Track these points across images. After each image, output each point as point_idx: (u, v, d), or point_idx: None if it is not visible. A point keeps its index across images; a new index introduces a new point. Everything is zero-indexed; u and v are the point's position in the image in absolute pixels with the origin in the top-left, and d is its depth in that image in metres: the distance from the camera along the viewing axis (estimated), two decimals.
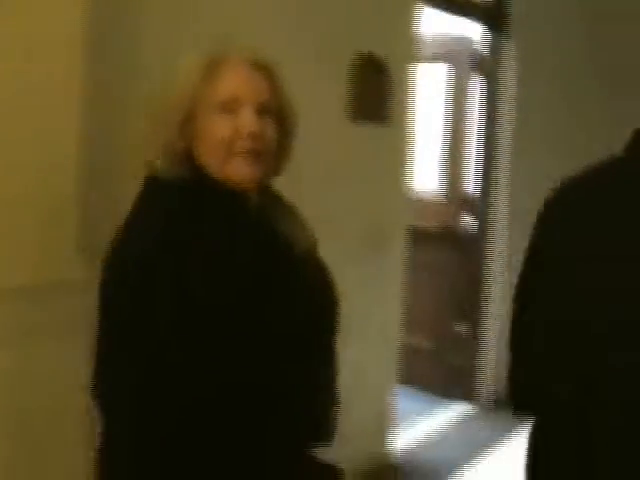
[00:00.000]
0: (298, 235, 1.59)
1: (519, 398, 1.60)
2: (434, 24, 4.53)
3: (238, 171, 1.51)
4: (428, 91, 4.72)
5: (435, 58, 4.75)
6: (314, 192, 2.66)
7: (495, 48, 4.69)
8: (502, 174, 4.79)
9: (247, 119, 1.51)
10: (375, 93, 3.52)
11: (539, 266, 1.53)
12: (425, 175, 4.78)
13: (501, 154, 4.78)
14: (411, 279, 4.05)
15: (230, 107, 1.51)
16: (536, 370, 1.51)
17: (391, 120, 3.64)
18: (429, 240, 4.83)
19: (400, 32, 3.64)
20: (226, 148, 1.50)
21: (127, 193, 1.55)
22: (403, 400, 4.18)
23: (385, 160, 3.67)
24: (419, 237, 4.29)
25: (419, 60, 3.90)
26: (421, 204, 4.66)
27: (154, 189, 1.52)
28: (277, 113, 1.58)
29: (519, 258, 1.61)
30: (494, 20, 4.59)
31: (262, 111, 1.54)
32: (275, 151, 1.59)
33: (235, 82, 1.52)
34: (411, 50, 3.77)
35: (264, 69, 1.57)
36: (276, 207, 1.63)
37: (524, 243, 1.61)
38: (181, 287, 1.37)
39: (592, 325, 1.38)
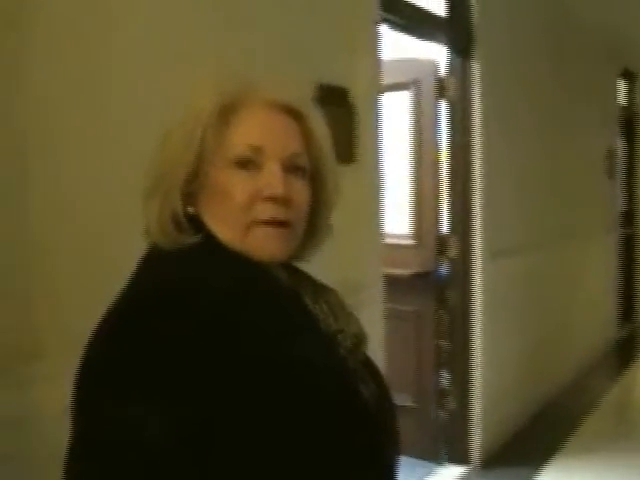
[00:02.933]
0: (345, 328, 1.22)
1: None
2: (391, 49, 4.15)
3: (258, 245, 1.15)
4: (390, 123, 4.33)
5: (395, 86, 4.37)
6: None
7: (460, 71, 4.37)
8: (476, 211, 4.43)
9: (271, 177, 1.14)
10: (336, 129, 3.08)
11: None
12: (393, 217, 4.33)
13: (473, 188, 4.40)
14: (386, 331, 3.66)
15: (249, 162, 1.15)
16: None
17: (356, 159, 3.21)
18: (402, 288, 4.40)
19: (361, 59, 3.27)
20: (243, 215, 1.14)
21: None
22: None
23: (352, 205, 3.23)
24: (391, 285, 3.85)
25: (382, 90, 3.49)
26: (391, 249, 4.22)
27: (155, 263, 1.16)
28: (312, 172, 1.22)
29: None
30: (458, 42, 4.27)
31: (291, 168, 1.17)
32: (307, 221, 1.22)
33: (256, 130, 1.17)
34: (374, 79, 3.37)
35: (296, 114, 1.20)
36: (310, 291, 1.26)
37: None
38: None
39: None
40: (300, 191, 1.18)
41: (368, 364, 1.28)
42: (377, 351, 3.40)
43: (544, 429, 5.06)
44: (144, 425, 1.00)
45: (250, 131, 1.16)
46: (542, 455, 4.56)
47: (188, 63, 2.29)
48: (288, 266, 1.27)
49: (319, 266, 2.77)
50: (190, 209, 1.16)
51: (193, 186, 1.16)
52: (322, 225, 1.27)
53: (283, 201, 1.14)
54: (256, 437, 1.02)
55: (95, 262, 1.90)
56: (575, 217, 6.19)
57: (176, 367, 1.01)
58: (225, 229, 1.15)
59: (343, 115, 3.14)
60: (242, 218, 1.14)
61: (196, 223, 1.16)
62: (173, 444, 1.00)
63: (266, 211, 1.14)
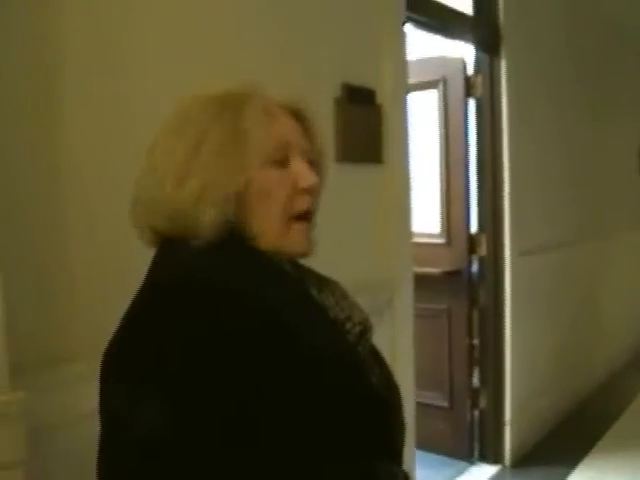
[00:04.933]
0: (350, 316, 1.26)
1: None
2: (418, 48, 4.16)
3: (297, 241, 1.21)
4: (419, 122, 4.33)
5: (423, 85, 4.37)
6: None
7: (487, 69, 4.35)
8: (505, 209, 4.43)
9: (303, 170, 1.20)
10: (364, 130, 3.11)
11: None
12: (422, 216, 4.33)
13: (502, 187, 4.41)
14: (417, 330, 3.63)
15: (283, 159, 1.21)
16: None
17: (384, 160, 3.23)
18: (433, 286, 4.41)
19: (387, 59, 3.27)
20: (286, 210, 1.19)
21: None
22: (420, 468, 3.70)
23: (381, 204, 3.25)
24: (423, 284, 3.85)
25: (409, 89, 3.49)
26: (422, 248, 4.22)
27: (173, 259, 1.18)
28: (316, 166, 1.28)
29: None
30: (485, 40, 4.26)
31: (310, 162, 1.25)
32: None
33: (282, 127, 1.23)
34: (401, 79, 3.37)
35: (299, 116, 1.27)
36: (315, 283, 1.29)
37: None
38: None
39: None
40: (320, 183, 1.24)
41: (375, 352, 1.32)
42: (406, 349, 3.42)
43: (576, 428, 5.02)
44: (150, 420, 1.02)
45: (278, 129, 1.21)
46: (574, 454, 4.52)
47: (217, 60, 2.34)
48: (291, 261, 1.30)
49: (348, 264, 2.80)
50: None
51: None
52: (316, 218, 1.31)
53: (314, 191, 1.20)
54: (272, 425, 1.05)
55: (121, 265, 1.92)
56: (604, 214, 6.13)
57: (188, 362, 1.03)
58: (266, 226, 1.18)
59: (370, 116, 3.15)
60: (284, 214, 1.18)
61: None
62: (185, 437, 1.02)
63: (304, 203, 1.20)
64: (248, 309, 1.08)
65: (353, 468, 1.11)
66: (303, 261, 1.34)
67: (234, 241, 1.17)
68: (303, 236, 1.20)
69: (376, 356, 1.32)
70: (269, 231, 1.18)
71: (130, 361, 1.07)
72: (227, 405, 1.02)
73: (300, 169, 1.20)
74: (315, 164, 1.26)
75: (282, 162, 1.19)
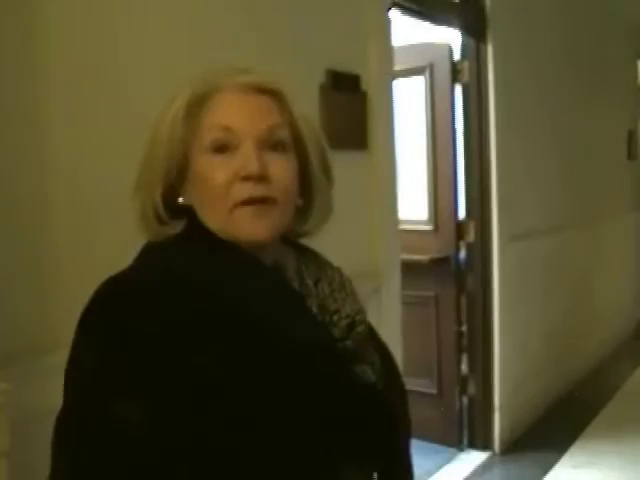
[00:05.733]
0: (339, 309, 1.22)
1: None
2: (404, 34, 4.15)
3: (241, 227, 1.13)
4: (405, 109, 4.31)
5: (410, 71, 4.35)
6: None
7: (474, 55, 4.35)
8: (493, 196, 4.43)
9: (245, 157, 1.12)
10: (349, 116, 3.09)
11: None
12: (409, 203, 4.31)
13: (490, 173, 4.41)
14: (405, 317, 3.65)
15: (225, 146, 1.14)
16: None
17: (370, 146, 3.21)
18: (421, 273, 4.40)
19: (372, 45, 3.26)
20: (224, 198, 1.13)
21: None
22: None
23: (367, 191, 3.24)
24: (410, 271, 3.84)
25: (395, 75, 3.48)
26: (409, 235, 4.21)
27: (148, 254, 1.18)
28: (295, 145, 1.19)
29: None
30: (471, 25, 4.25)
31: (269, 144, 1.15)
32: (302, 196, 1.21)
33: (225, 111, 1.15)
34: (386, 65, 3.35)
35: (270, 92, 1.18)
36: (313, 271, 1.26)
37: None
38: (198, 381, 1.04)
39: None
40: (281, 165, 1.15)
41: (379, 345, 1.29)
42: (394, 337, 3.41)
43: (565, 414, 5.03)
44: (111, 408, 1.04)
45: (219, 114, 1.15)
46: (563, 441, 4.53)
47: (200, 47, 2.32)
48: (295, 244, 1.28)
49: (334, 253, 2.78)
50: (180, 200, 1.17)
51: (184, 177, 1.16)
52: (317, 198, 1.24)
53: (259, 178, 1.12)
54: (234, 415, 1.04)
55: (108, 259, 1.91)
56: (593, 199, 6.14)
57: (138, 360, 1.05)
58: (211, 215, 1.15)
59: (355, 102, 3.13)
60: (223, 202, 1.12)
61: (188, 212, 1.17)
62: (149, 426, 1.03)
63: (244, 191, 1.12)
64: (209, 300, 1.08)
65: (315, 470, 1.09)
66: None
67: (187, 237, 1.16)
68: (247, 222, 1.12)
69: (381, 349, 1.28)
70: (212, 217, 1.15)
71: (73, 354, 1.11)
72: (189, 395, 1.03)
73: (242, 157, 1.12)
74: (295, 141, 1.18)
75: (227, 149, 1.13)
